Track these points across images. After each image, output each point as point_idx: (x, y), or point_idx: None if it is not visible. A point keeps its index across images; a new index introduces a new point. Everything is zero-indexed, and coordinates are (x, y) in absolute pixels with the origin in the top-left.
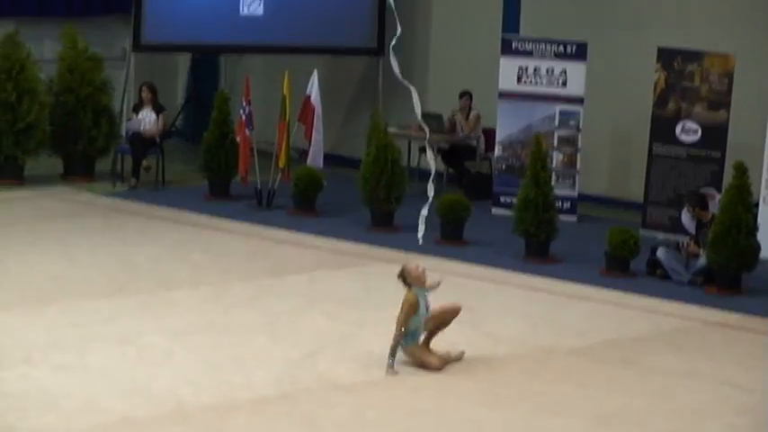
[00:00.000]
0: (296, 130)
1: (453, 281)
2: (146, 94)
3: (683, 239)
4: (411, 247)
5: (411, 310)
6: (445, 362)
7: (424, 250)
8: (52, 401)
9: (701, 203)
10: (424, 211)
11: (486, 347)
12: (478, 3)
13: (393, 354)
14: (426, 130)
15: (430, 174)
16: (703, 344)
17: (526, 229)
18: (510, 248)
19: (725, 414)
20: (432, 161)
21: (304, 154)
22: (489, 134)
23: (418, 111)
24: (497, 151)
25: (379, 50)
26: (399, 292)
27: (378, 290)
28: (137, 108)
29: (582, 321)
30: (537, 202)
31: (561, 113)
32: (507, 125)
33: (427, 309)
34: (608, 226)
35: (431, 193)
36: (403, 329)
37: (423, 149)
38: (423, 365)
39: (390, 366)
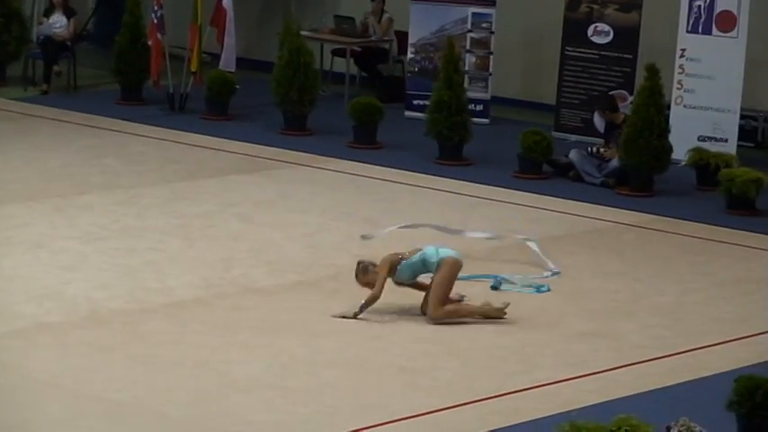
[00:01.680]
0: (208, 34)
1: (366, 183)
2: None
3: (594, 146)
4: (323, 150)
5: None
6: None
7: (337, 153)
8: None
9: (610, 106)
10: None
11: (400, 251)
12: None
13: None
14: None
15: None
16: (616, 244)
17: (439, 131)
18: (423, 151)
19: (638, 314)
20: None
21: (216, 57)
22: (402, 37)
23: None
24: (410, 54)
25: None
26: (314, 195)
27: (291, 193)
28: (48, 12)
29: (495, 223)
30: (450, 105)
31: (474, 15)
32: (420, 28)
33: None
34: (521, 128)
35: None
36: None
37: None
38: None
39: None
